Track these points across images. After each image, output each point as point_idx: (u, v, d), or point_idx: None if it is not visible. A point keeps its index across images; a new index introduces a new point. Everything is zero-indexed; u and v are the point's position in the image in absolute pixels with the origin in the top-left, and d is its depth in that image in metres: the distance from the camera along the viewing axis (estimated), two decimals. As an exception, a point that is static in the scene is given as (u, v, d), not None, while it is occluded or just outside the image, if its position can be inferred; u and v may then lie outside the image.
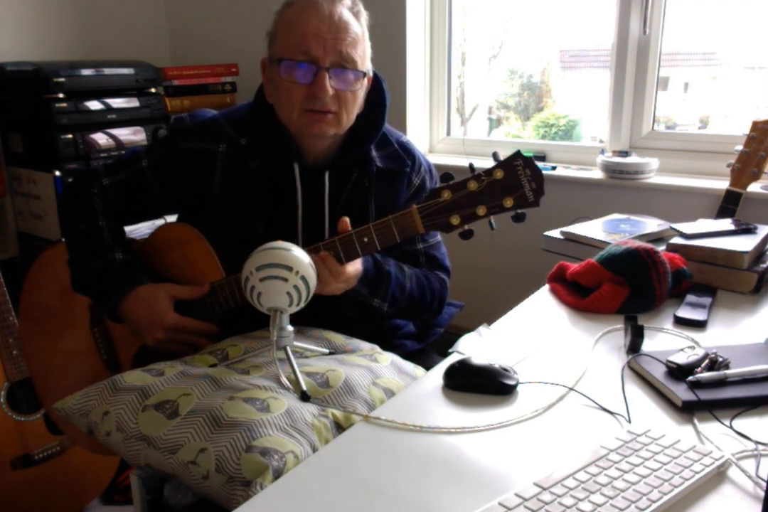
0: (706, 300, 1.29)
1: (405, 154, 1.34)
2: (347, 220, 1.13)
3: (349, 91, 1.18)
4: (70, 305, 1.40)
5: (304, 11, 1.16)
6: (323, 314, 1.24)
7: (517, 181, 1.03)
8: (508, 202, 1.03)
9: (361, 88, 1.21)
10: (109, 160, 2.20)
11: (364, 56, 1.20)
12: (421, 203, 1.06)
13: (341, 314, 1.30)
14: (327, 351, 1.16)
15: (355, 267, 1.16)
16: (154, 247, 1.36)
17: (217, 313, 1.27)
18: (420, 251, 1.38)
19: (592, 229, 1.63)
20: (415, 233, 1.08)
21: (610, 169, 2.11)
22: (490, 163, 1.05)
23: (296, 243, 1.27)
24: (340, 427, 0.96)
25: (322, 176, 1.27)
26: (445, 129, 2.62)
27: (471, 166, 1.06)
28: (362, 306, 1.25)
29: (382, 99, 1.28)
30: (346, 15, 1.17)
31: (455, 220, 1.05)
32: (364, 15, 1.21)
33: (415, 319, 1.43)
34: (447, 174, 1.06)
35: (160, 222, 1.43)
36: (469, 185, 1.04)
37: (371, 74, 1.25)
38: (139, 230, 1.45)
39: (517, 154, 1.03)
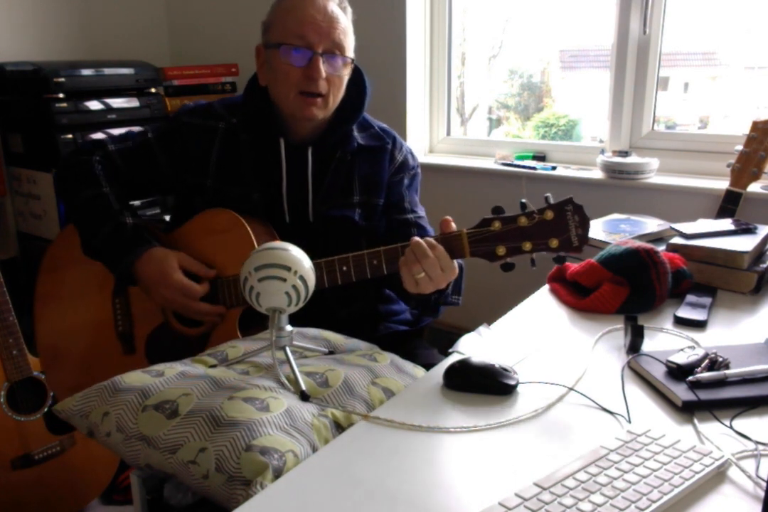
0: (706, 300, 1.29)
1: (385, 135, 1.43)
2: (450, 219, 1.13)
3: (337, 76, 1.28)
4: (95, 271, 1.38)
5: (302, 1, 1.27)
6: (321, 314, 1.24)
7: (564, 224, 1.08)
8: (554, 243, 1.08)
9: (347, 74, 1.31)
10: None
11: (350, 45, 1.31)
12: (472, 229, 1.10)
13: (338, 314, 1.30)
14: (326, 350, 1.16)
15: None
16: (194, 230, 1.36)
17: None
18: (411, 221, 1.41)
19: (592, 228, 1.62)
20: (461, 257, 1.11)
21: (610, 169, 2.11)
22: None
23: (282, 214, 1.34)
24: (339, 427, 0.96)
25: (306, 152, 1.34)
26: (445, 129, 2.62)
27: (522, 203, 1.09)
28: (437, 304, 1.30)
29: (362, 88, 1.38)
30: (337, 9, 1.29)
31: (501, 251, 1.09)
32: (349, 11, 1.33)
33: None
34: (498, 207, 1.09)
35: (155, 212, 1.45)
36: (520, 220, 1.08)
37: (354, 64, 1.34)
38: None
39: (569, 200, 1.09)
